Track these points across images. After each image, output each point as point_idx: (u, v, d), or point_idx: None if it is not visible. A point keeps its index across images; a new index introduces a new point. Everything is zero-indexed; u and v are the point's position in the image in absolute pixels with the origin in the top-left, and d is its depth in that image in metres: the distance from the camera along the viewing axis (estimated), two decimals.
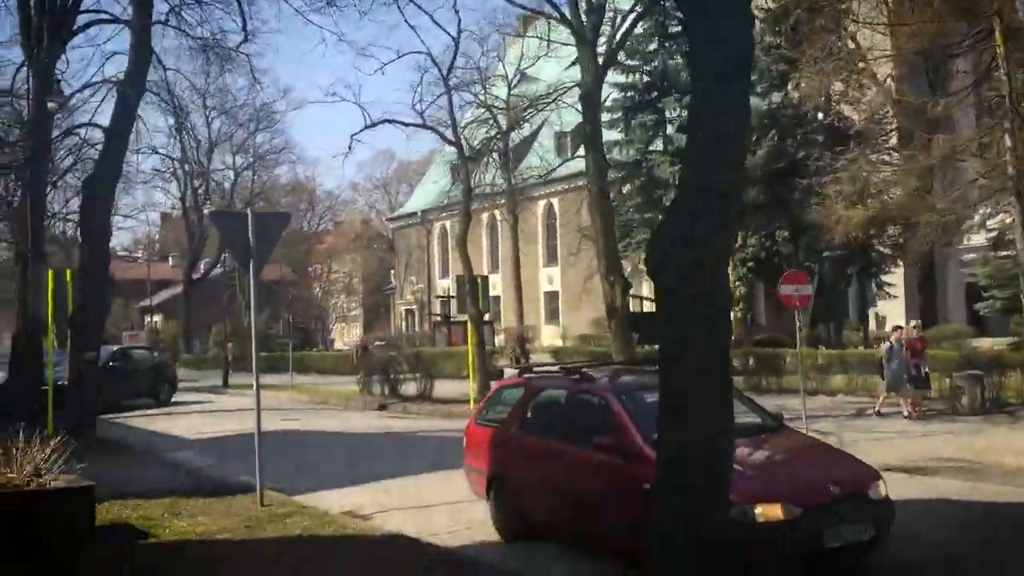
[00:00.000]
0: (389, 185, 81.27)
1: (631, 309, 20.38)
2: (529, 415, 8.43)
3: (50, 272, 16.23)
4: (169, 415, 21.11)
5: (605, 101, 27.49)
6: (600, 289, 47.65)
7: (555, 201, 50.51)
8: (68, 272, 16.24)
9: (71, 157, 21.38)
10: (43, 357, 19.92)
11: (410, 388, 22.84)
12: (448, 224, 58.56)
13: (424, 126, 22.00)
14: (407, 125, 22.17)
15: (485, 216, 53.54)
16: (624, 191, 34.22)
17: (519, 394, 8.71)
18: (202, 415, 21.07)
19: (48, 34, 17.93)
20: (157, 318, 67.75)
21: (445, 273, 58.80)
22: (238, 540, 7.63)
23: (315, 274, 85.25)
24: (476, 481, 8.80)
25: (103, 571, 6.64)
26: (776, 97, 28.59)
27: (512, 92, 42.69)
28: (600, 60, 16.87)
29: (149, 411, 22.20)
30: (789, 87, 26.72)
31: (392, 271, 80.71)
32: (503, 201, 49.08)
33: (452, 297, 43.08)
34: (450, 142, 21.66)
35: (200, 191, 57.13)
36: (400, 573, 6.60)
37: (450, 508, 9.46)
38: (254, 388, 9.58)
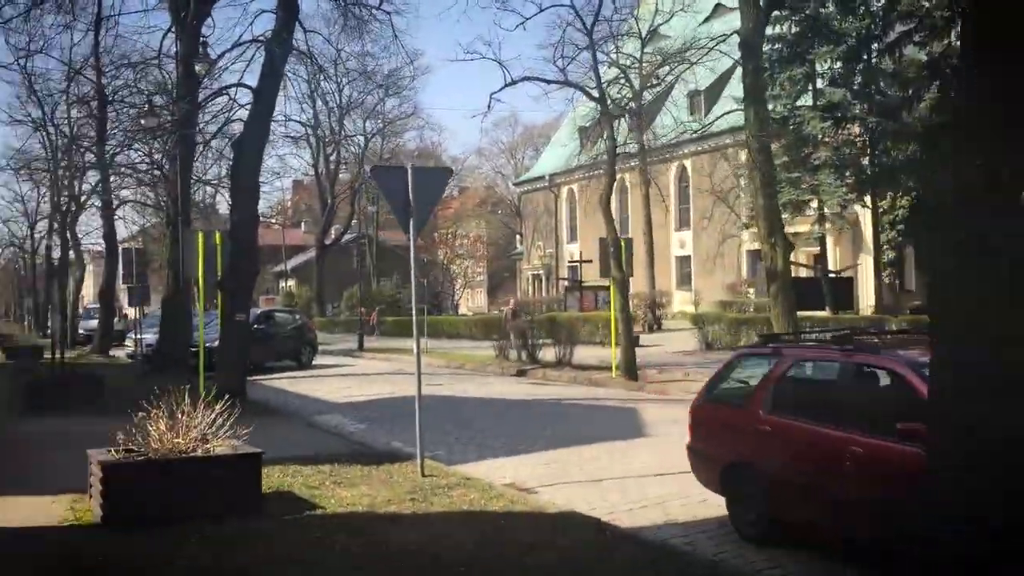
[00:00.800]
0: (515, 149, 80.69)
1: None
2: (784, 391, 6.94)
3: (199, 234, 16.27)
4: (312, 378, 21.22)
5: None
6: (734, 253, 46.01)
7: (688, 163, 48.89)
8: (218, 234, 16.27)
9: (215, 121, 21.64)
10: (192, 319, 20.33)
11: (547, 354, 22.32)
12: (575, 188, 57.66)
13: (567, 83, 21.17)
14: (548, 82, 21.40)
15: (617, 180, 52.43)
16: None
17: (765, 366, 7.25)
18: (343, 378, 21.09)
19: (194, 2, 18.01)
20: (291, 282, 69.71)
21: (573, 238, 58.02)
22: (408, 513, 7.15)
23: (441, 239, 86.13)
24: (705, 468, 7.52)
25: (275, 541, 6.25)
26: (937, 47, 26.44)
27: (644, 51, 41.31)
28: (762, 2, 15.64)
29: (292, 373, 22.41)
30: (952, 36, 24.60)
31: (518, 236, 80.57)
32: (634, 163, 47.86)
33: (585, 261, 42.28)
34: (593, 98, 20.74)
35: (332, 157, 58.13)
36: (597, 560, 5.93)
37: (620, 484, 8.79)
38: (415, 353, 9.11)
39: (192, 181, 19.51)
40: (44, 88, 33.33)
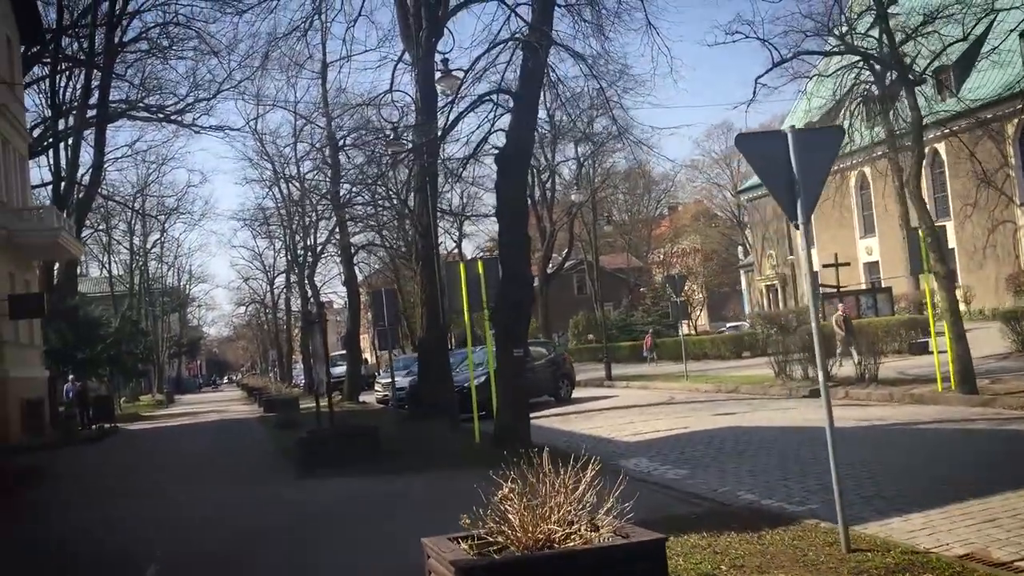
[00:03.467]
0: (730, 158, 76.79)
1: None
2: None
3: (460, 265, 14.86)
4: (579, 414, 19.37)
5: None
6: (1008, 241, 40.14)
7: (940, 146, 43.76)
8: (480, 262, 14.81)
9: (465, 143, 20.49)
10: (449, 357, 19.00)
11: (839, 370, 19.35)
12: None
13: (852, 50, 18.35)
14: (826, 54, 18.62)
15: (853, 175, 47.93)
16: None
17: None
18: (615, 412, 19.09)
19: (427, 20, 16.81)
20: None
21: (808, 242, 53.74)
22: None
23: (658, 259, 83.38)
24: None
25: None
26: None
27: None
28: None
29: (554, 409, 20.69)
30: None
31: (740, 247, 76.43)
32: (878, 153, 43.34)
33: (842, 264, 38.49)
34: (887, 65, 17.78)
35: (548, 185, 57.15)
36: None
37: None
38: (820, 384, 6.73)
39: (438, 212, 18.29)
40: (275, 147, 34.10)
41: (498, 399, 13.43)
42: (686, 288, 77.02)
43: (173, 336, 77.39)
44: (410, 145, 17.64)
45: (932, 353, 22.93)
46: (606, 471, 11.11)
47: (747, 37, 16.53)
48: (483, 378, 20.94)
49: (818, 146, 6.32)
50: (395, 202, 24.50)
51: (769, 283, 57.44)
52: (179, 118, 35.50)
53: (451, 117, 15.55)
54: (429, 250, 18.71)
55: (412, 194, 19.16)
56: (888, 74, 41.35)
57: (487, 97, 13.98)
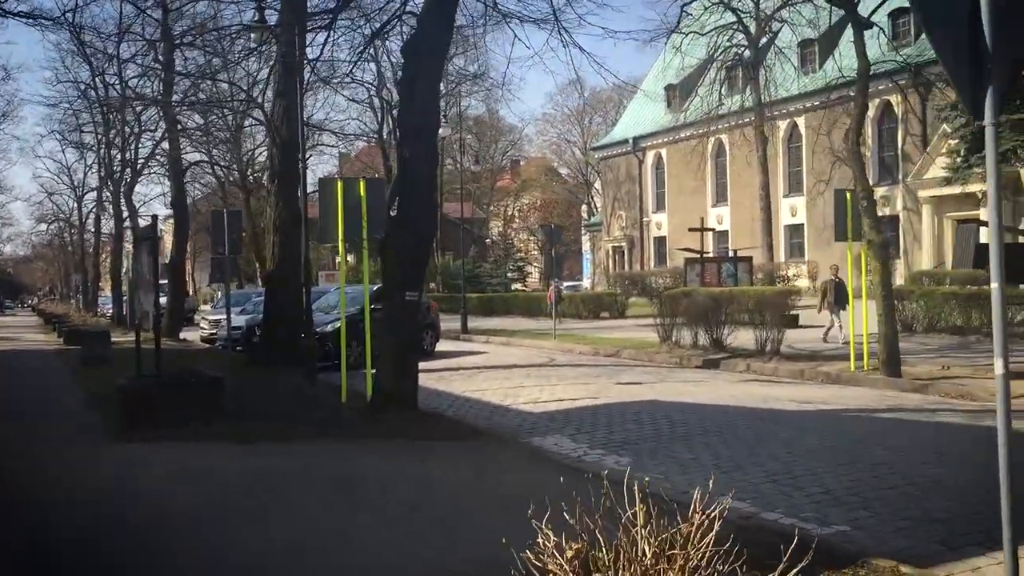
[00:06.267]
0: (582, 115, 75.73)
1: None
2: None
3: (338, 183, 12.04)
4: (455, 371, 16.92)
5: None
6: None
7: (800, 120, 43.93)
8: (362, 182, 12.02)
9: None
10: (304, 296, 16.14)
11: (734, 340, 17.91)
12: (664, 152, 52.88)
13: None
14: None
15: (711, 142, 47.57)
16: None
17: None
18: (494, 372, 16.79)
19: None
20: (350, 257, 65.46)
21: (660, 206, 53.32)
22: None
23: (499, 212, 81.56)
24: None
25: None
26: None
27: None
28: None
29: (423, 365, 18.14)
30: None
31: (584, 207, 75.82)
32: (735, 123, 43.01)
33: (707, 229, 37.75)
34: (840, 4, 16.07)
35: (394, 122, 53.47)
36: None
37: None
38: (996, 375, 4.53)
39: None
40: (96, 46, 29.20)
41: (381, 352, 10.79)
42: (526, 244, 76.03)
43: None
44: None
45: (804, 327, 22.20)
46: (520, 452, 8.80)
47: None
48: (338, 323, 18.17)
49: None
50: (243, 101, 20.85)
51: (616, 244, 56.82)
52: None
53: None
54: (291, 165, 15.59)
55: (274, 99, 15.91)
56: (761, 39, 40.46)
57: None
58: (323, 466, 8.04)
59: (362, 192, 11.84)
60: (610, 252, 57.79)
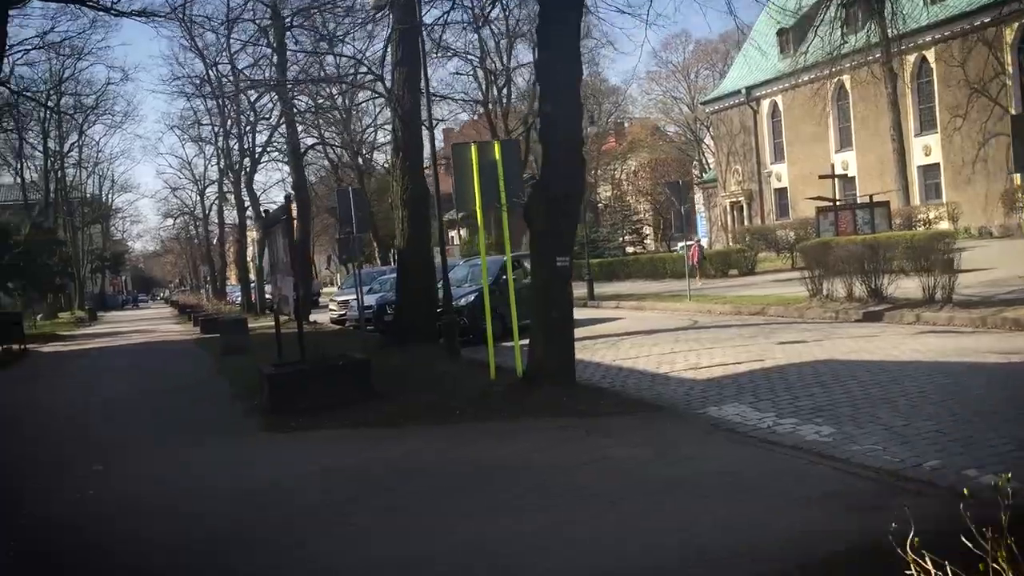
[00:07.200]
0: (688, 69, 73.28)
1: None
2: None
3: (472, 147, 11.34)
4: (595, 339, 16.13)
5: None
6: (1002, 156, 37.56)
7: (928, 53, 40.99)
8: (496, 144, 11.31)
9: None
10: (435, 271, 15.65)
11: (889, 289, 16.51)
12: (780, 99, 50.48)
13: None
14: None
15: (832, 84, 44.97)
16: None
17: None
18: (638, 338, 15.93)
19: None
20: (463, 232, 65.52)
21: (779, 157, 50.99)
22: None
23: (607, 177, 79.92)
24: None
25: None
26: None
27: None
28: None
29: None
30: None
31: (696, 163, 73.58)
32: (859, 60, 40.41)
33: (837, 176, 35.73)
34: None
35: (503, 91, 52.94)
36: None
37: None
38: None
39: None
40: (207, 37, 29.43)
41: (533, 323, 10.10)
42: (637, 206, 74.34)
43: (95, 249, 71.89)
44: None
45: (967, 271, 20.46)
46: (700, 426, 7.95)
47: None
48: (473, 296, 17.64)
49: None
50: (362, 75, 20.44)
51: (734, 199, 54.77)
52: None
53: None
54: (415, 136, 15.03)
55: (392, 69, 15.34)
56: None
57: None
58: (490, 450, 7.42)
59: (497, 155, 11.15)
60: (728, 208, 55.79)
